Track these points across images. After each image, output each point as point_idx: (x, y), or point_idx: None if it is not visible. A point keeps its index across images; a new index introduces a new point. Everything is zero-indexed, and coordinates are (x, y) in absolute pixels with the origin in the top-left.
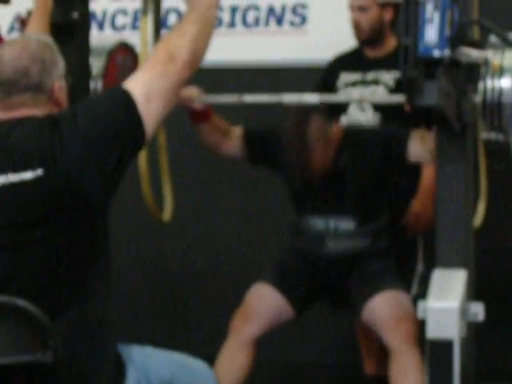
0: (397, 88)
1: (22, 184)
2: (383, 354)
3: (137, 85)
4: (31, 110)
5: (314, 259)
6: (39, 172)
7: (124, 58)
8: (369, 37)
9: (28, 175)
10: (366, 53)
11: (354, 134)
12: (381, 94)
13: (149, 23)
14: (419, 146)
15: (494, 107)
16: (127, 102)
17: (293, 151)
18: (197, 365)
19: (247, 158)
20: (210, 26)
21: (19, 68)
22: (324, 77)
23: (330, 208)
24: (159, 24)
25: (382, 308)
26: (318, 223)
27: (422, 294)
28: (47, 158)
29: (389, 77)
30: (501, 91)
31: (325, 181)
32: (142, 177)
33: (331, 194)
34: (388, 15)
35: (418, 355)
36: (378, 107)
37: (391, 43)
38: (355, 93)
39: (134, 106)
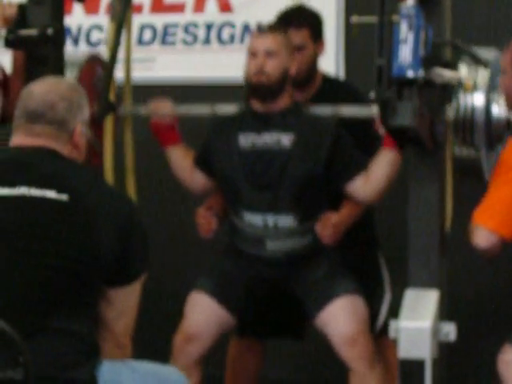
0: None
1: (43, 200)
2: None
3: None
4: (51, 142)
5: (254, 261)
6: (64, 197)
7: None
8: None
9: (51, 194)
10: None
11: (310, 118)
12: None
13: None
14: (362, 187)
15: (466, 124)
16: None
17: None
18: (170, 374)
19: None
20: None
21: (47, 102)
22: None
23: (267, 203)
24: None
25: (336, 322)
26: (255, 220)
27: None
28: (75, 191)
29: None
30: (473, 108)
31: (263, 164)
32: (106, 174)
33: (268, 186)
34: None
35: (376, 374)
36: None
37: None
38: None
39: None
